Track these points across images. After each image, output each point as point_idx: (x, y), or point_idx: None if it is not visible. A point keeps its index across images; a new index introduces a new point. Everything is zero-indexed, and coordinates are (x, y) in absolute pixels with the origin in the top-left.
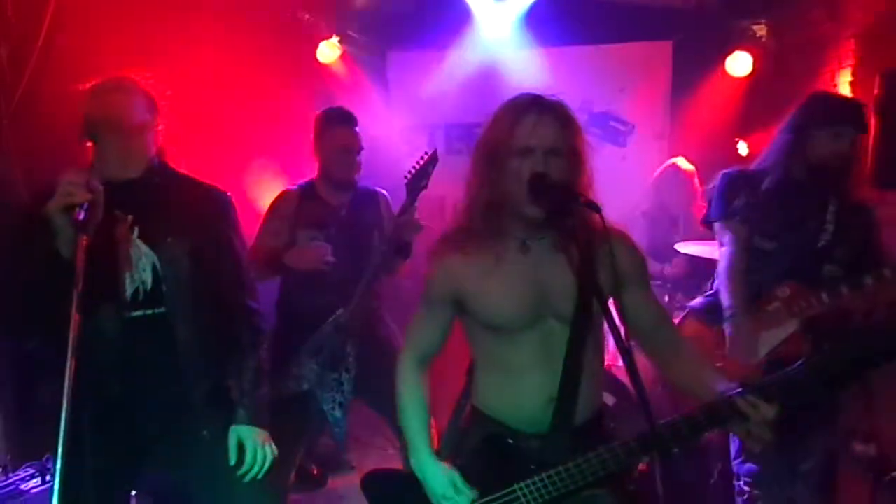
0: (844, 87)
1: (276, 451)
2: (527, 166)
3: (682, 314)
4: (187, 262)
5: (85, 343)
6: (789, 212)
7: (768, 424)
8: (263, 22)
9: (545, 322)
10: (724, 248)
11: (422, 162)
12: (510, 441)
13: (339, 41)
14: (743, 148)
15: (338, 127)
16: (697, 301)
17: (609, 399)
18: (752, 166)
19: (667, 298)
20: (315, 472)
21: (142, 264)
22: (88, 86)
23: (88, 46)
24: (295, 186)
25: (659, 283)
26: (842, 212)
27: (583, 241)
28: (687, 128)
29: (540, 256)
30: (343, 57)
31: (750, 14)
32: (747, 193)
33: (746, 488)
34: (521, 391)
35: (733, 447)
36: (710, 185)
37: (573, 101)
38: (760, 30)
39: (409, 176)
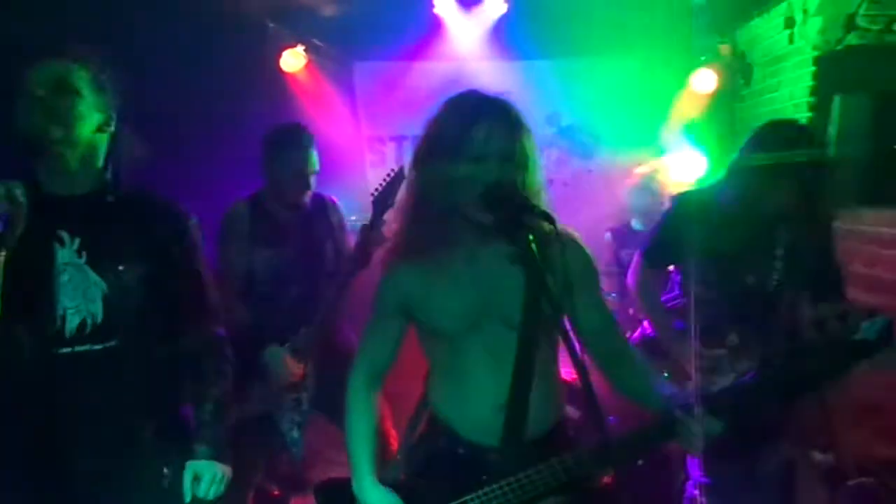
0: (803, 107)
1: (229, 474)
2: (480, 174)
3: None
4: (142, 291)
5: (4, 378)
6: (734, 257)
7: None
8: (227, 28)
9: (491, 327)
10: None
11: (388, 179)
12: (462, 453)
13: (305, 50)
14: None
15: (293, 151)
16: (637, 334)
17: (574, 413)
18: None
19: (631, 312)
20: (276, 493)
21: (91, 294)
22: (22, 77)
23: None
24: (245, 198)
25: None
26: (794, 244)
27: (533, 247)
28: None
29: (488, 263)
30: (308, 66)
31: (716, 32)
32: (694, 224)
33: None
34: (469, 397)
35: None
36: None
37: (541, 113)
38: (725, 48)
39: (375, 193)
